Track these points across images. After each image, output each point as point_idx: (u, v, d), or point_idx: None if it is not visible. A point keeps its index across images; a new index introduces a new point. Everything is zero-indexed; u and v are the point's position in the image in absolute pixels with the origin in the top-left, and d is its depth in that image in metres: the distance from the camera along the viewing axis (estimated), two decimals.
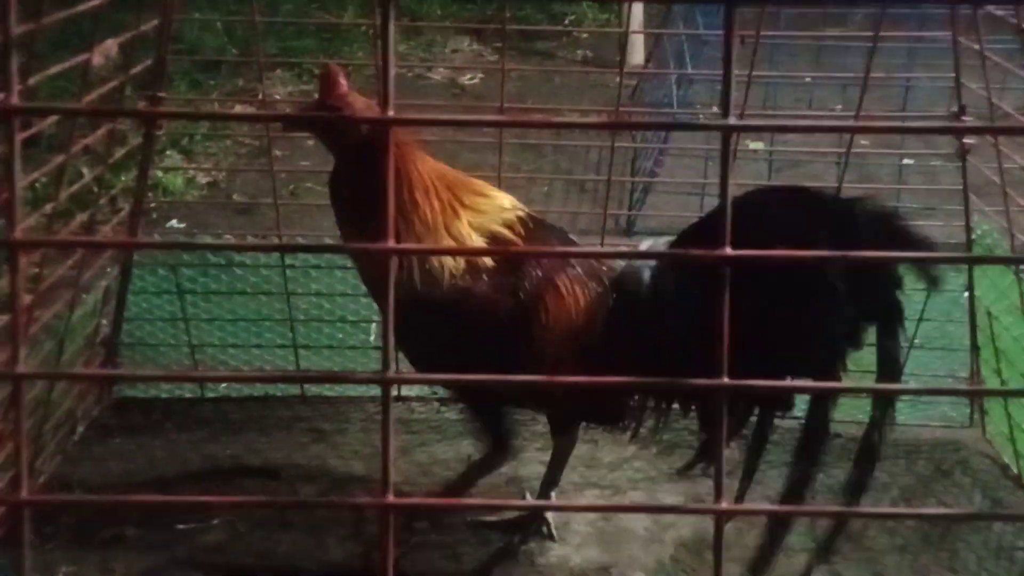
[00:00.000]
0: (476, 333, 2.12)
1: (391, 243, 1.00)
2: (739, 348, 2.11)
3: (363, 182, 2.08)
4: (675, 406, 2.25)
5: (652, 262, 2.19)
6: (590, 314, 2.18)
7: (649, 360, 2.11)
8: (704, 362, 2.21)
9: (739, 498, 2.14)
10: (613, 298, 2.19)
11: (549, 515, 2.40)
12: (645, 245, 2.28)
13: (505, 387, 2.17)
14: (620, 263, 2.24)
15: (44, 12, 1.89)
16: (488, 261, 2.14)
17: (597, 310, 2.18)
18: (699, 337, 2.04)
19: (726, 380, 1.05)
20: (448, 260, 2.13)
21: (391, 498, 1.01)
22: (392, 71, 0.97)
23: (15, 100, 0.93)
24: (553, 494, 2.40)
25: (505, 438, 2.27)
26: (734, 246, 2.36)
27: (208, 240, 2.57)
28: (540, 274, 2.18)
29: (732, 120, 1.02)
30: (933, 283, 2.09)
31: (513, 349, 2.15)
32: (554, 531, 2.40)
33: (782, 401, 2.15)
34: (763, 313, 2.04)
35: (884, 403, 2.07)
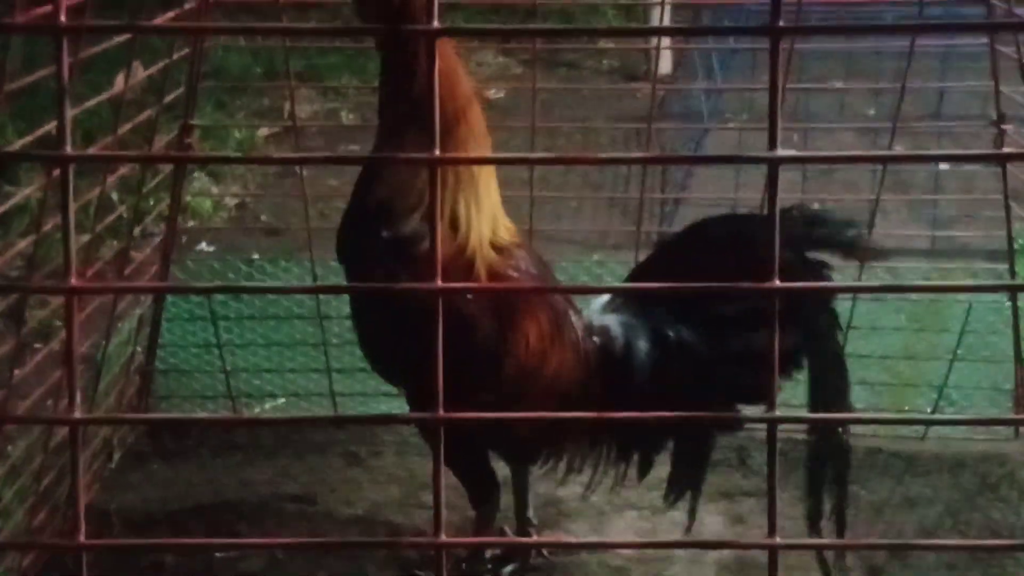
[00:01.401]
0: (450, 357, 1.88)
1: (439, 282, 0.98)
2: (693, 380, 2.13)
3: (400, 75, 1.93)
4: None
5: (620, 316, 2.13)
6: (563, 357, 2.10)
7: (620, 410, 2.08)
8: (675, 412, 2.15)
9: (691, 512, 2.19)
10: (585, 346, 2.12)
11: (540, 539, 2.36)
12: (597, 305, 2.19)
13: (474, 428, 2.05)
14: (587, 311, 2.17)
15: (81, 44, 1.90)
16: (477, 274, 2.00)
17: (572, 354, 2.11)
18: (672, 391, 2.07)
19: (777, 413, 1.03)
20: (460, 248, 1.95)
21: (443, 537, 1.00)
22: (437, 108, 0.96)
23: (68, 149, 0.93)
24: (531, 514, 2.34)
25: (488, 485, 2.18)
26: (684, 276, 2.32)
27: (241, 265, 2.58)
28: (524, 307, 2.07)
29: (780, 152, 1.00)
30: (859, 255, 2.07)
31: (483, 381, 2.02)
32: (545, 551, 2.36)
33: (731, 425, 2.15)
34: (709, 344, 2.09)
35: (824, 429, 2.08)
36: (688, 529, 2.22)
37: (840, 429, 2.07)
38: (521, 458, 2.26)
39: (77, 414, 1.00)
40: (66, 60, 0.92)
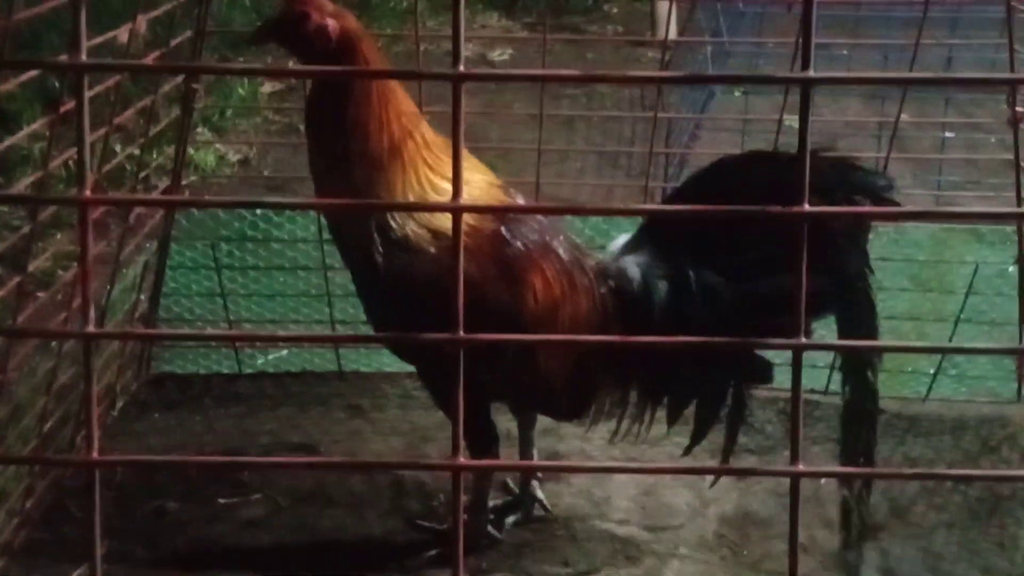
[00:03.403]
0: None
1: (460, 201, 0.98)
2: (715, 324, 2.07)
3: (335, 105, 1.96)
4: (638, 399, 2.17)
5: (638, 257, 2.10)
6: (576, 303, 2.08)
7: (641, 355, 2.05)
8: (697, 355, 2.14)
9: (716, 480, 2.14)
10: (601, 291, 2.10)
11: (538, 491, 2.35)
12: (614, 248, 2.16)
13: (492, 377, 2.07)
14: (603, 255, 2.15)
15: None
16: (472, 239, 1.98)
17: (584, 299, 2.09)
18: (691, 332, 2.04)
19: (804, 340, 1.02)
20: (434, 225, 1.96)
21: (462, 459, 1.00)
22: (463, 25, 0.94)
23: (83, 57, 0.91)
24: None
25: (488, 434, 2.17)
26: (702, 226, 2.28)
27: (246, 214, 2.57)
28: (527, 257, 2.06)
29: (811, 73, 0.99)
30: (884, 191, 1.99)
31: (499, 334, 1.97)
32: (547, 505, 2.36)
33: (760, 373, 2.10)
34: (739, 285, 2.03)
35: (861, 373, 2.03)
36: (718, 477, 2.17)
37: (870, 374, 2.02)
38: (549, 409, 2.24)
39: (91, 328, 0.99)
40: None
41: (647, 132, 2.83)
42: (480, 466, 1.04)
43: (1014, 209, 1.95)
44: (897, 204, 2.00)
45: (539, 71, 0.83)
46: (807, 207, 0.99)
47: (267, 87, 4.47)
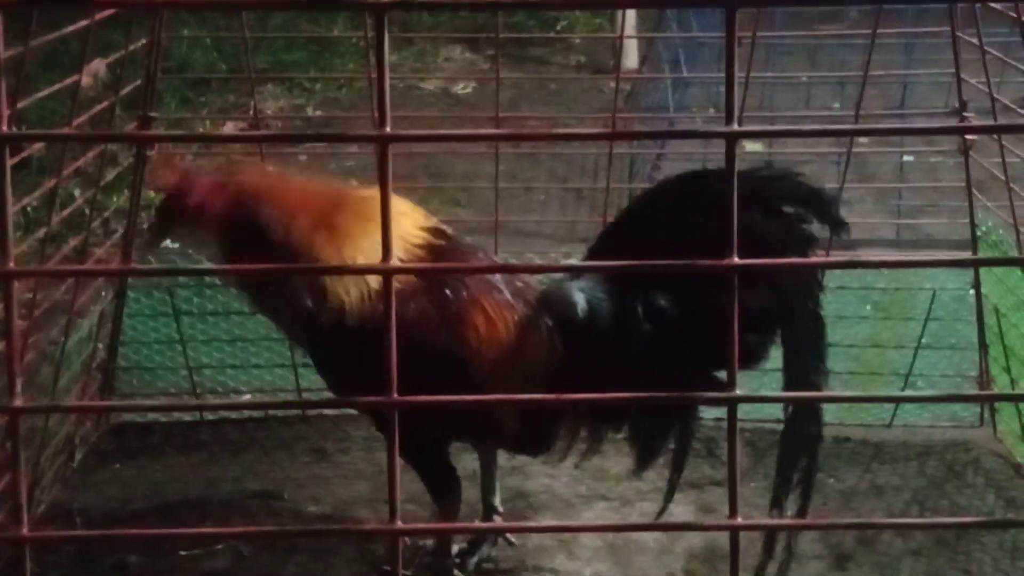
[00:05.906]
0: (402, 362, 1.76)
1: (391, 263, 0.97)
2: (664, 343, 2.03)
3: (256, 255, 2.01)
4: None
5: (580, 283, 2.07)
6: (521, 337, 2.07)
7: (590, 382, 2.01)
8: (648, 379, 2.13)
9: (661, 513, 2.13)
10: (546, 321, 2.09)
11: (500, 523, 2.33)
12: (558, 275, 2.16)
13: (444, 422, 2.07)
14: (544, 282, 2.13)
15: (32, 33, 1.86)
16: (409, 284, 2.00)
17: (528, 332, 2.08)
18: (641, 356, 2.03)
19: (738, 393, 1.02)
20: (366, 284, 2.00)
21: (399, 523, 0.99)
22: (388, 85, 0.94)
23: (5, 128, 0.90)
24: (497, 501, 2.33)
25: (448, 479, 2.16)
26: (645, 247, 2.26)
27: (204, 262, 2.54)
28: (466, 296, 2.06)
29: (735, 127, 0.99)
30: (837, 225, 1.99)
31: (444, 377, 1.99)
32: (511, 538, 2.34)
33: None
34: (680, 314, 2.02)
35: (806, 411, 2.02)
36: (662, 512, 2.16)
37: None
38: (510, 445, 2.23)
39: (18, 403, 0.97)
40: (0, 31, 0.90)
41: (608, 160, 2.84)
42: (420, 530, 1.03)
43: (966, 257, 1.95)
44: (838, 220, 1.98)
45: (466, 132, 0.82)
46: (736, 260, 0.99)
47: (229, 126, 4.46)
